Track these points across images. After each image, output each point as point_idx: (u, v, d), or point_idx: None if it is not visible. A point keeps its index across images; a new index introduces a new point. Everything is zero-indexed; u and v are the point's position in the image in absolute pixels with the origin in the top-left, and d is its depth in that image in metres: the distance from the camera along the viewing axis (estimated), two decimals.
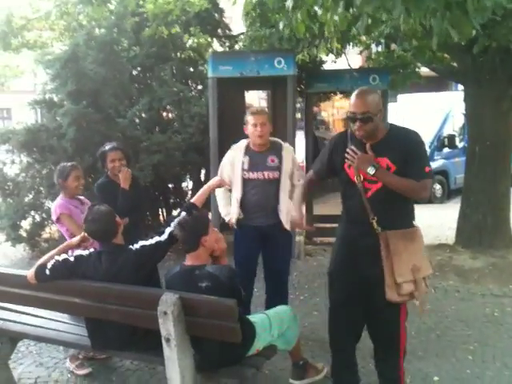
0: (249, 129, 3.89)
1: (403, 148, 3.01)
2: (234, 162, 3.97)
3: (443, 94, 12.81)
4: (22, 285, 3.29)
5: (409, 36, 5.68)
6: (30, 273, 3.20)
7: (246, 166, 3.94)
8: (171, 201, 7.60)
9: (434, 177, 3.13)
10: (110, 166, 4.21)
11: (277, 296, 4.02)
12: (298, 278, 5.70)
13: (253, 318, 3.24)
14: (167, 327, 2.80)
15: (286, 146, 4.03)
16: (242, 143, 4.04)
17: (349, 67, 7.43)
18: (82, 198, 4.12)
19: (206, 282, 2.95)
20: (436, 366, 3.78)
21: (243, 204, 3.93)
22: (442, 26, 2.76)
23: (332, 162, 3.28)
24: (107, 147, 4.26)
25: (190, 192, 7.55)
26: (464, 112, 9.24)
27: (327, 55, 7.68)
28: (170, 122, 7.43)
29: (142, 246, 3.14)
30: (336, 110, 10.50)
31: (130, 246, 3.15)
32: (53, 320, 3.56)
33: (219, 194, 4.13)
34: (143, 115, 7.14)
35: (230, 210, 4.02)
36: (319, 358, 3.87)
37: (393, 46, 8.09)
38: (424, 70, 8.02)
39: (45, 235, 6.86)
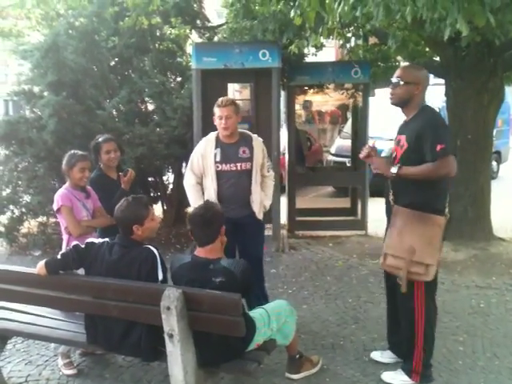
0: (216, 121, 3.94)
1: (416, 127, 3.19)
2: (205, 155, 4.00)
3: None
4: (14, 281, 3.21)
5: (399, 29, 5.71)
6: (39, 264, 3.11)
7: (218, 158, 3.97)
8: (152, 194, 7.50)
9: (449, 152, 3.11)
10: (106, 157, 4.12)
11: (257, 283, 4.00)
12: (285, 272, 5.70)
13: (252, 312, 3.22)
14: (170, 322, 2.75)
15: (255, 137, 4.10)
16: (212, 135, 4.07)
17: (331, 60, 7.42)
18: (89, 188, 3.95)
19: (221, 278, 2.91)
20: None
21: (218, 197, 3.95)
22: (456, 17, 2.77)
23: None
24: (100, 139, 4.16)
25: (170, 185, 7.47)
26: (440, 106, 9.41)
27: (307, 48, 7.67)
28: (149, 115, 7.32)
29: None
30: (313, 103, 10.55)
31: (148, 246, 3.07)
32: (45, 317, 3.46)
33: (190, 187, 4.11)
34: (122, 107, 7.01)
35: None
36: (311, 351, 3.89)
37: (371, 40, 8.13)
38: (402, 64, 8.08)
39: (23, 230, 6.69)
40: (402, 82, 3.25)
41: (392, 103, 3.38)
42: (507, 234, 6.78)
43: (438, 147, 3.07)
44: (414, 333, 3.33)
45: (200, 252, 3.10)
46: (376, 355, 3.75)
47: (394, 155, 3.40)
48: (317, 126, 11.48)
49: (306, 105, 10.18)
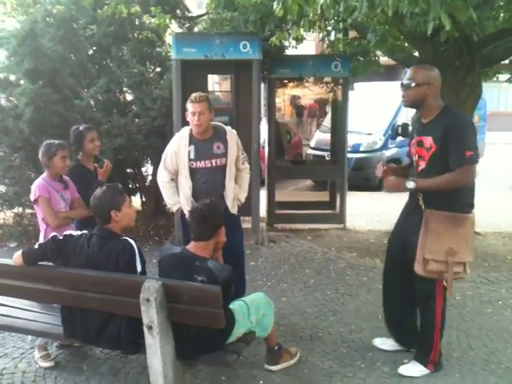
0: (188, 116, 3.90)
1: (444, 129, 3.13)
2: (179, 152, 3.96)
3: (398, 83, 13.06)
4: None
5: (379, 23, 5.73)
6: (16, 254, 3.08)
7: (192, 156, 3.94)
8: (130, 186, 7.43)
9: (476, 160, 3.12)
10: (90, 145, 4.08)
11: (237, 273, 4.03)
12: (264, 265, 5.70)
13: (232, 305, 3.21)
14: (150, 314, 2.74)
15: (228, 129, 4.07)
16: (185, 131, 4.03)
17: (311, 53, 7.42)
18: (66, 179, 3.90)
19: (203, 277, 2.91)
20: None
21: (193, 193, 3.93)
22: (439, 12, 2.79)
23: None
24: (81, 128, 4.11)
25: (149, 177, 7.40)
26: None
27: (288, 40, 7.66)
28: (128, 105, 7.23)
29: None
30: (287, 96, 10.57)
31: (126, 237, 3.04)
32: (21, 309, 3.42)
33: (164, 184, 4.08)
34: (100, 97, 6.91)
35: (177, 198, 4.04)
36: (290, 342, 3.91)
37: (351, 34, 8.15)
38: (380, 59, 8.12)
39: None
40: (413, 84, 3.22)
41: (405, 105, 3.40)
42: (483, 228, 6.88)
43: (468, 153, 3.05)
44: (437, 328, 3.42)
45: (191, 247, 3.10)
46: (377, 342, 3.86)
47: (415, 158, 3.34)
48: (296, 119, 11.52)
49: (295, 100, 10.19)
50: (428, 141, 3.22)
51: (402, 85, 3.28)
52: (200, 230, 3.07)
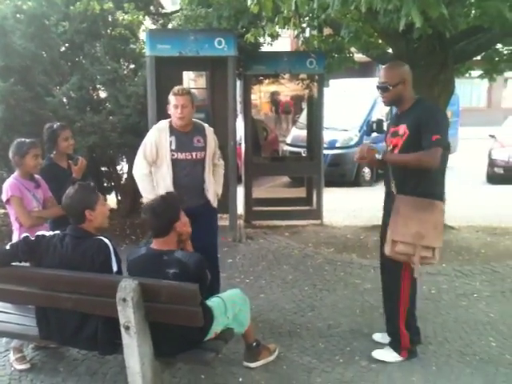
0: (170, 109, 3.89)
1: (417, 115, 3.29)
2: (159, 142, 3.93)
3: (372, 79, 13.17)
4: None
5: (353, 20, 5.75)
6: None
7: (173, 147, 3.93)
8: (105, 185, 7.35)
9: (445, 145, 3.27)
10: (64, 144, 4.04)
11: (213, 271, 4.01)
12: (242, 262, 5.70)
13: (209, 301, 3.20)
14: (127, 314, 2.71)
15: (206, 126, 4.12)
16: (164, 124, 4.01)
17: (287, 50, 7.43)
18: (38, 178, 3.84)
19: (174, 269, 2.89)
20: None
21: (174, 186, 3.91)
22: (411, 8, 2.81)
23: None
24: (55, 126, 4.05)
25: (125, 175, 7.33)
26: None
27: (263, 37, 7.65)
28: (101, 102, 7.14)
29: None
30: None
31: (100, 237, 2.99)
32: None
33: (143, 177, 4.01)
34: (72, 94, 6.81)
35: (156, 193, 3.94)
36: (269, 339, 3.92)
37: (326, 31, 8.18)
38: (355, 56, 8.16)
39: None
40: (390, 87, 3.35)
41: (386, 105, 3.67)
42: (456, 222, 6.99)
43: (435, 137, 3.18)
44: (400, 312, 3.53)
45: (155, 244, 3.07)
46: (377, 336, 3.90)
47: (389, 148, 3.47)
48: (272, 115, 11.53)
49: (274, 96, 10.17)
50: (402, 128, 3.37)
51: (379, 87, 3.42)
52: (154, 227, 3.04)
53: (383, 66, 3.53)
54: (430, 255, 3.34)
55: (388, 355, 3.62)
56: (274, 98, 11.04)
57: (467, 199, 8.72)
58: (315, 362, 3.62)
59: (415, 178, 3.32)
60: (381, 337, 3.88)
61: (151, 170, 4.01)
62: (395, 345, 3.63)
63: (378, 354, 3.65)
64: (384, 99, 3.49)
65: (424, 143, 3.21)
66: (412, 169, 3.28)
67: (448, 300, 4.68)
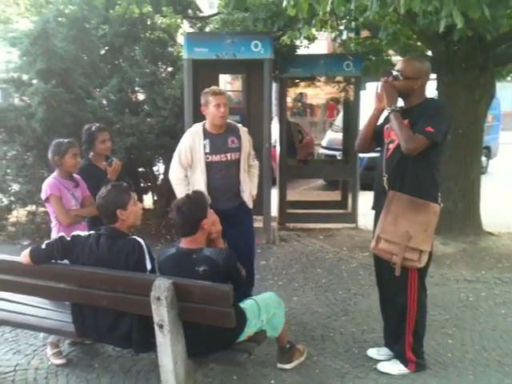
0: (210, 109, 3.88)
1: (420, 111, 3.19)
2: (193, 147, 3.95)
3: None
4: (2, 270, 3.17)
5: (391, 22, 5.69)
6: (24, 252, 3.08)
7: (207, 150, 3.95)
8: (142, 185, 7.46)
9: (432, 138, 3.12)
10: (102, 146, 4.10)
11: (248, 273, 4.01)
12: (276, 264, 5.69)
13: (242, 303, 3.21)
14: (160, 313, 2.73)
15: (240, 126, 4.12)
16: (198, 127, 4.03)
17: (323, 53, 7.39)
18: (77, 177, 3.93)
19: (204, 266, 2.90)
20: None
21: (209, 189, 3.91)
22: (452, 9, 2.76)
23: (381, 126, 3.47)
24: (93, 128, 4.12)
25: (161, 176, 7.42)
26: None
27: (300, 40, 7.64)
28: (139, 104, 7.26)
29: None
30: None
31: (134, 236, 3.04)
32: (33, 306, 3.44)
33: (179, 181, 4.05)
34: (112, 96, 6.95)
35: None
36: (302, 342, 3.87)
37: (363, 33, 8.11)
38: (392, 58, 8.06)
39: (12, 219, 6.63)
40: (401, 78, 3.23)
41: None
42: (496, 228, 6.83)
43: (428, 128, 3.09)
44: (406, 322, 3.35)
45: (183, 243, 3.09)
46: (372, 352, 3.71)
47: (387, 141, 3.33)
48: (308, 118, 11.48)
49: (299, 97, 10.16)
50: (405, 123, 3.24)
51: (391, 74, 3.27)
52: (181, 226, 3.06)
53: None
54: (415, 258, 3.18)
55: (394, 368, 3.46)
56: (310, 101, 10.99)
57: (507, 205, 8.49)
58: (348, 366, 3.58)
59: (410, 175, 3.20)
60: (376, 352, 3.69)
61: (187, 173, 4.04)
62: (401, 356, 3.46)
63: (382, 366, 3.51)
64: None
65: (416, 128, 3.11)
66: (405, 165, 3.20)
67: (486, 308, 4.56)
